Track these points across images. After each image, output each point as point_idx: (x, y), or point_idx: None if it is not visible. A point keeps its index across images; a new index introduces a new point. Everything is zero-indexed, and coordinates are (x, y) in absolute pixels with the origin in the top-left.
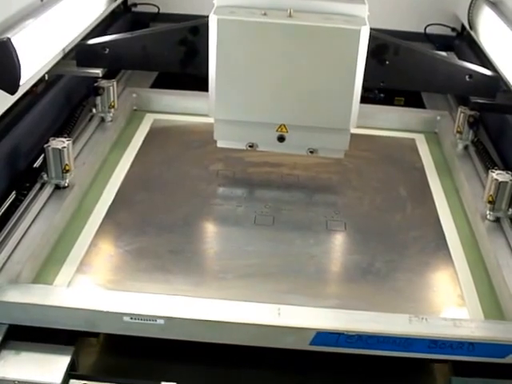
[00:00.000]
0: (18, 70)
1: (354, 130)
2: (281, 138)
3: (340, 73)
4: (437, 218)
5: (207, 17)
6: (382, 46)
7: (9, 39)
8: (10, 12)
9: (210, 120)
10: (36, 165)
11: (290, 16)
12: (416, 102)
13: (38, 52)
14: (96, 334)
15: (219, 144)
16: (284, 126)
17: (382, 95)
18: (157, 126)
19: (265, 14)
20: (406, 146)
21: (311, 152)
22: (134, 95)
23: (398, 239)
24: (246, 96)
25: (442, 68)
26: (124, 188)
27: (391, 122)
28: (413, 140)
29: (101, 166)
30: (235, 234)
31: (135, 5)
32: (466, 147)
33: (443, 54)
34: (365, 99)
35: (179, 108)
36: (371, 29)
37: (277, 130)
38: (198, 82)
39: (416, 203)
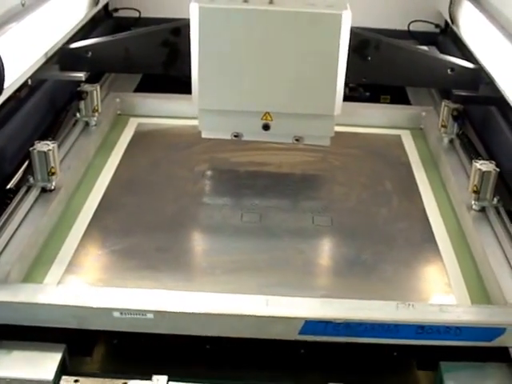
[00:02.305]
0: (1, 72)
1: (340, 128)
2: (266, 127)
3: (323, 58)
4: (423, 210)
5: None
6: (364, 41)
7: None
8: None
9: (194, 122)
10: (21, 169)
11: (271, 2)
12: (402, 100)
13: (20, 56)
14: (90, 352)
15: (204, 135)
16: (268, 114)
17: (367, 94)
18: (141, 129)
19: (246, 1)
20: (391, 142)
21: (297, 140)
22: (118, 100)
23: (385, 232)
24: (229, 84)
25: (423, 62)
26: (110, 190)
27: (377, 120)
28: (398, 136)
29: (86, 169)
30: (222, 231)
31: (116, 10)
32: (451, 141)
33: (425, 48)
34: (351, 98)
35: (163, 111)
36: (353, 26)
37: (261, 119)
38: (181, 85)
39: (402, 197)
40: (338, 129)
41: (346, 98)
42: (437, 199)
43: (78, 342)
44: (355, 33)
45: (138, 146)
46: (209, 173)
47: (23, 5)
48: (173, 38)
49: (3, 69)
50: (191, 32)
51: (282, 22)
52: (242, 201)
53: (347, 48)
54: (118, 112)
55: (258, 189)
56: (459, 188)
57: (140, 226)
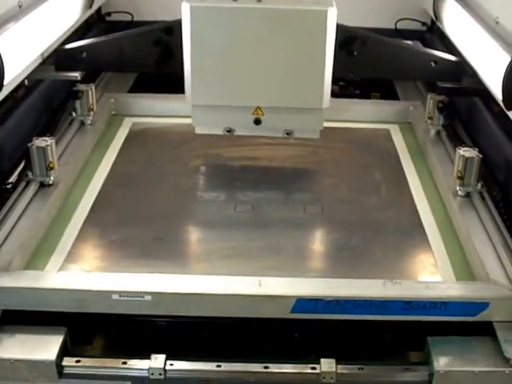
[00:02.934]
0: (1, 69)
1: (330, 124)
2: (257, 121)
3: (310, 53)
4: (411, 198)
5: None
6: (350, 37)
7: None
8: None
9: (187, 121)
10: (20, 165)
11: (260, 0)
12: (391, 96)
13: (17, 57)
14: (89, 341)
15: (197, 130)
16: (259, 108)
17: (357, 92)
18: (136, 128)
19: (235, 0)
20: (380, 136)
21: (287, 134)
22: (112, 100)
23: (374, 218)
24: (221, 80)
25: (407, 56)
26: (107, 185)
27: (366, 115)
28: (387, 130)
29: (83, 166)
30: (216, 220)
31: (109, 14)
32: (437, 132)
33: (409, 42)
34: (341, 96)
35: (157, 111)
36: (340, 23)
37: (253, 113)
38: (174, 85)
39: (391, 186)
40: (328, 124)
41: (337, 96)
42: (424, 187)
43: (78, 329)
44: (342, 29)
45: (133, 144)
46: (202, 167)
47: (20, 6)
48: (165, 37)
49: (3, 66)
50: (183, 31)
51: (270, 19)
52: (235, 193)
53: (334, 43)
54: (113, 112)
55: (250, 182)
56: (445, 176)
57: (136, 217)
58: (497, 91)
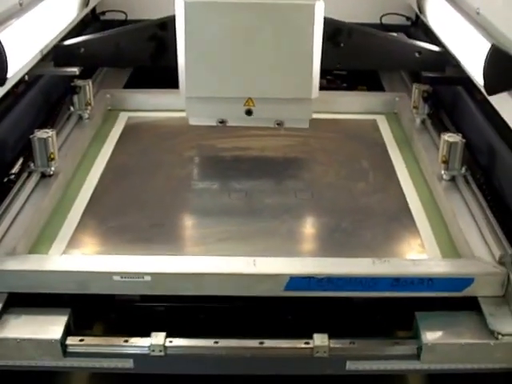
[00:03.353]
0: (5, 62)
1: (318, 115)
2: (249, 112)
3: (299, 45)
4: (398, 183)
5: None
6: (337, 30)
7: None
8: None
9: (181, 114)
10: (22, 157)
11: None
12: (377, 90)
13: (18, 53)
14: (90, 325)
15: (191, 121)
16: (251, 99)
17: (344, 85)
18: (131, 122)
19: None
20: (367, 125)
21: (278, 124)
22: (108, 95)
23: (363, 203)
24: (214, 73)
25: (392, 47)
26: (105, 175)
27: (353, 106)
28: (374, 120)
29: (82, 157)
30: (211, 207)
31: (103, 13)
32: (423, 121)
33: (394, 34)
34: (329, 89)
35: (151, 105)
36: (327, 17)
37: (244, 105)
38: (167, 80)
39: (378, 172)
40: (317, 116)
41: (325, 90)
42: (410, 173)
43: (80, 313)
44: (329, 22)
45: (129, 137)
46: (196, 158)
47: (21, 4)
48: (160, 33)
49: (6, 59)
50: (177, 26)
51: (260, 13)
52: (228, 181)
53: (321, 36)
54: (109, 107)
55: (243, 170)
56: (430, 162)
57: (134, 205)
58: (479, 79)
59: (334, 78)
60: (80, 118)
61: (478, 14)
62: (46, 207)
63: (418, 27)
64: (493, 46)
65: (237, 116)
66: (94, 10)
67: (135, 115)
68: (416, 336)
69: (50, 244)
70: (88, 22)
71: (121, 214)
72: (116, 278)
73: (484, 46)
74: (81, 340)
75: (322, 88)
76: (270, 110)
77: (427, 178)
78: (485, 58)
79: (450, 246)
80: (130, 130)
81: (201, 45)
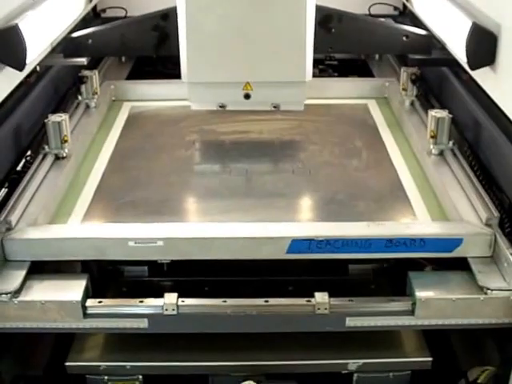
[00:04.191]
0: (25, 49)
1: (311, 101)
2: (247, 96)
3: (293, 31)
4: (389, 160)
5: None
6: (328, 16)
7: (17, 24)
8: (11, 6)
9: (182, 103)
10: (35, 142)
11: None
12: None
13: (32, 43)
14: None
15: (193, 106)
16: (249, 83)
17: (335, 74)
18: (135, 111)
19: None
20: (359, 109)
21: (274, 107)
22: (112, 87)
23: (356, 177)
24: (213, 59)
25: (381, 31)
26: (114, 158)
27: (345, 92)
28: (365, 104)
29: (91, 142)
30: (214, 184)
31: (104, 10)
32: (412, 103)
33: (382, 20)
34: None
35: (153, 95)
36: (318, 4)
37: (243, 89)
38: (169, 71)
39: (370, 151)
40: (310, 102)
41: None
42: (401, 150)
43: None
44: (320, 8)
45: (134, 124)
46: (198, 141)
47: None
48: (162, 23)
49: (26, 47)
50: (178, 15)
51: (256, 1)
52: (229, 160)
53: (313, 21)
54: (113, 98)
55: (242, 151)
56: (420, 140)
57: (143, 183)
58: (462, 56)
59: (326, 67)
60: (87, 106)
61: None
62: (61, 186)
63: (406, 16)
64: (474, 23)
65: (236, 100)
66: (94, 7)
67: (138, 105)
68: (410, 294)
69: (66, 219)
70: (89, 19)
71: (130, 191)
72: (131, 243)
73: (466, 25)
74: (99, 302)
75: (314, 76)
76: (267, 94)
77: (417, 154)
78: (467, 35)
79: (440, 213)
80: (134, 118)
81: (201, 33)
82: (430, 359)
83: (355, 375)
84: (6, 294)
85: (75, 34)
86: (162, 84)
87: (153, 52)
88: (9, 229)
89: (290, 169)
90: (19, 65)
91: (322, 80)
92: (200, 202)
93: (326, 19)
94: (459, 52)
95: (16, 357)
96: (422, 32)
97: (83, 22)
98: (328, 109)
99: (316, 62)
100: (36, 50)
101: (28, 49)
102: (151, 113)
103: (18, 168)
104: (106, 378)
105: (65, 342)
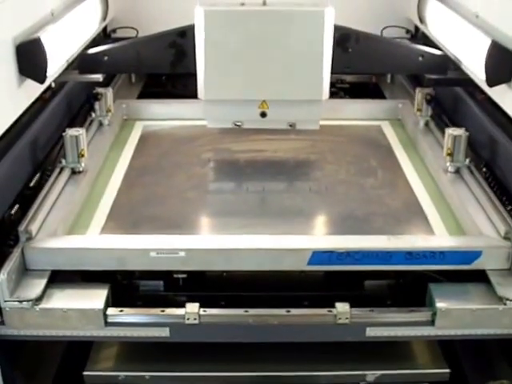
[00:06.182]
0: (46, 62)
1: (325, 122)
2: (263, 114)
3: (310, 50)
4: (405, 179)
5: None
6: (345, 35)
7: (39, 37)
8: (33, 19)
9: (195, 122)
10: (51, 156)
11: (265, 4)
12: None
13: (50, 59)
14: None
15: (209, 124)
16: (265, 102)
17: (347, 97)
18: (147, 130)
19: (243, 4)
20: (373, 130)
21: (290, 126)
22: (124, 105)
23: (373, 195)
24: (230, 77)
25: (397, 51)
26: (129, 174)
27: (358, 113)
28: (379, 126)
29: (105, 159)
30: (231, 199)
31: (114, 30)
32: (426, 123)
33: (397, 40)
34: None
35: (165, 115)
36: (336, 24)
37: (259, 107)
38: (178, 91)
39: (386, 170)
40: (323, 122)
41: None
42: (416, 169)
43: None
44: (338, 28)
45: (147, 142)
46: (213, 159)
47: (52, 14)
48: (179, 40)
49: (47, 60)
50: (196, 33)
51: (273, 20)
52: (245, 178)
53: (331, 41)
54: (125, 117)
55: (258, 168)
56: (435, 159)
57: (160, 198)
58: (480, 74)
59: (338, 90)
60: (100, 124)
61: (477, 17)
62: (78, 199)
63: (418, 40)
64: (493, 41)
65: (252, 118)
66: (105, 27)
67: (150, 124)
68: (430, 304)
69: (84, 231)
70: (99, 39)
71: (147, 207)
72: (153, 254)
73: (484, 43)
74: (121, 310)
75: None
76: (283, 113)
77: (432, 172)
78: (486, 52)
79: (457, 228)
80: (147, 136)
81: (219, 50)
82: (447, 371)
83: None
84: (28, 301)
85: (91, 51)
86: (173, 104)
87: (169, 69)
88: (29, 238)
89: (306, 187)
90: (40, 77)
91: (335, 101)
92: (218, 217)
93: (343, 38)
94: (476, 70)
95: (26, 367)
96: (438, 52)
97: (92, 43)
98: (341, 129)
99: (333, 75)
100: (55, 65)
101: (48, 62)
102: (164, 132)
103: (33, 183)
104: None
105: (76, 352)
